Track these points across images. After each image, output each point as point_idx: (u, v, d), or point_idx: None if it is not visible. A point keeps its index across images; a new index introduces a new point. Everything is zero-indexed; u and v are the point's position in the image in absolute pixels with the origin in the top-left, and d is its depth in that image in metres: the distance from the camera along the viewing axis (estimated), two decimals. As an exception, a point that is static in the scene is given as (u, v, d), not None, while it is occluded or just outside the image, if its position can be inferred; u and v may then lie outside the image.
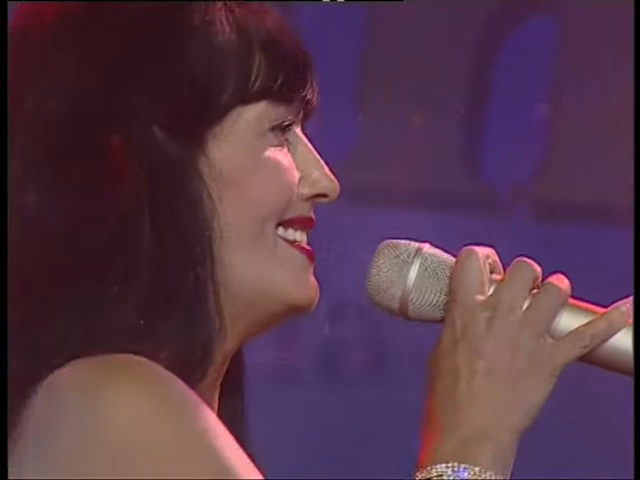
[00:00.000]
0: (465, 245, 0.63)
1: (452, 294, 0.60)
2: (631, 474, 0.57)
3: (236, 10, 0.59)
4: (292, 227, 0.64)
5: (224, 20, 0.59)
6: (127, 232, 0.55)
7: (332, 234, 0.70)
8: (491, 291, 0.61)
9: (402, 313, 0.62)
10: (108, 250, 0.55)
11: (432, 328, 0.63)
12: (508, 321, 0.59)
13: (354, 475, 2.05)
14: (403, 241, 0.63)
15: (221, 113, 0.59)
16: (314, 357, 2.18)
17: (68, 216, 0.55)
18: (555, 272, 0.63)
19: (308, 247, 0.65)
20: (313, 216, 0.66)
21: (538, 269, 0.61)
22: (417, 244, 0.63)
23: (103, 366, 0.51)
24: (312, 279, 0.65)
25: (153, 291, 0.55)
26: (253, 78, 0.59)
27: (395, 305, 0.62)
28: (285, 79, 0.61)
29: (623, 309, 0.60)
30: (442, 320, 0.62)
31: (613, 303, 0.61)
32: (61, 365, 0.51)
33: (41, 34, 0.57)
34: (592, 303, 0.62)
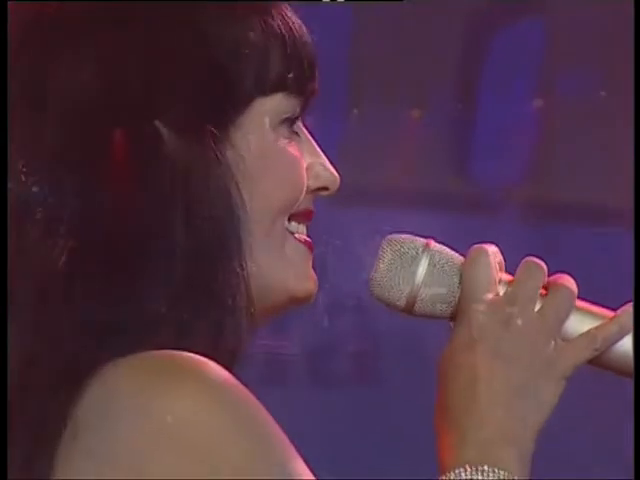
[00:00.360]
0: (451, 243, 0.63)
1: (465, 292, 0.60)
2: (631, 474, 0.56)
3: (254, 5, 0.59)
4: (296, 220, 0.64)
5: (246, 14, 0.59)
6: (166, 224, 0.55)
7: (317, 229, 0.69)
8: (502, 290, 0.60)
9: (407, 309, 0.61)
10: (150, 241, 0.55)
11: (427, 321, 0.63)
12: (524, 322, 0.58)
13: (352, 472, 2.04)
14: (407, 236, 0.62)
15: (245, 103, 0.59)
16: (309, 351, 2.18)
17: (108, 210, 0.54)
18: (558, 272, 0.62)
19: (309, 239, 0.65)
20: (313, 208, 0.66)
21: (546, 269, 0.61)
22: (423, 239, 0.62)
23: (162, 361, 0.50)
24: (312, 271, 0.65)
25: (194, 284, 0.55)
26: (271, 70, 0.59)
27: (402, 301, 0.60)
28: (298, 72, 0.61)
29: (632, 312, 0.59)
30: (448, 317, 0.61)
31: (605, 302, 0.61)
32: (114, 358, 0.50)
33: (75, 24, 0.56)
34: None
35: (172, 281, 0.54)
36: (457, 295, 0.60)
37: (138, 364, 0.50)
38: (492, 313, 0.58)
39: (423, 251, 0.60)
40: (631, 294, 0.59)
